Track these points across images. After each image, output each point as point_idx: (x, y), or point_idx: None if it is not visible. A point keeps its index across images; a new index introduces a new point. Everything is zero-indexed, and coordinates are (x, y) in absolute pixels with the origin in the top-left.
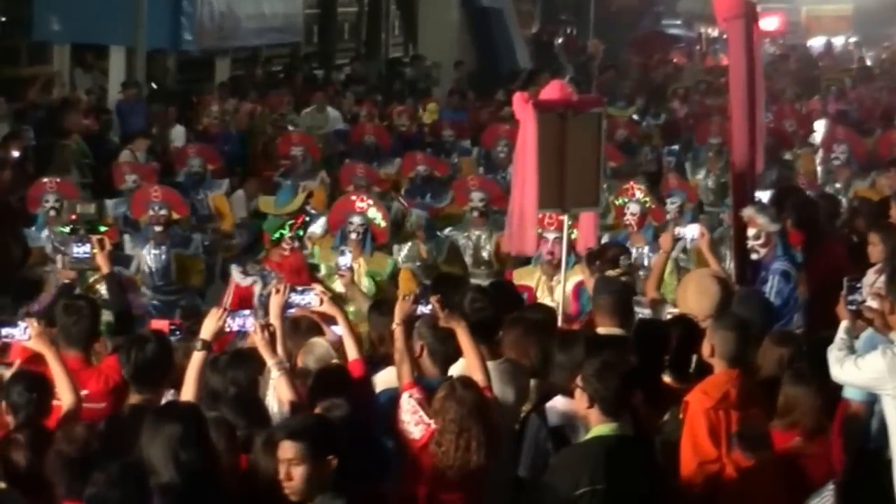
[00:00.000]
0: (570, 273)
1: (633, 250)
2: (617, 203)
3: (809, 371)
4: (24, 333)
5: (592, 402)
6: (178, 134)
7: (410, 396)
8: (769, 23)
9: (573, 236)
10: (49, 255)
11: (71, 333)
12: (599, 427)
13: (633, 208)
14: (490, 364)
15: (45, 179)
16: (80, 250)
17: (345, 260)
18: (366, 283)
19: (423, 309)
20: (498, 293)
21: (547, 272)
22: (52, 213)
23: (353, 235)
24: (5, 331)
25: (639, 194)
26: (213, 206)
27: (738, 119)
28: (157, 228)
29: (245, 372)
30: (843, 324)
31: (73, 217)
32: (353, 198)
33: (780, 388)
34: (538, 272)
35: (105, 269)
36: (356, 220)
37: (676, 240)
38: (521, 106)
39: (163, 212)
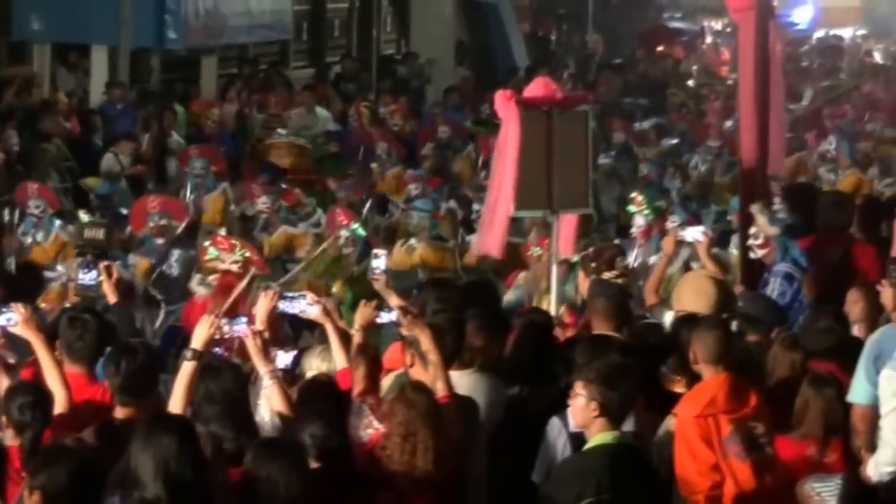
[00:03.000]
0: None
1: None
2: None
3: (828, 377)
4: (9, 321)
5: (602, 410)
6: (175, 143)
7: (363, 402)
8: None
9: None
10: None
11: (75, 348)
12: (602, 435)
13: (639, 220)
14: (456, 373)
15: (29, 183)
16: (86, 277)
17: (378, 263)
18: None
19: (387, 315)
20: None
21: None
22: (35, 219)
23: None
24: None
25: (644, 207)
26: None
27: (748, 115)
28: (159, 241)
29: (217, 383)
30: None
31: (81, 242)
32: (338, 210)
33: (791, 392)
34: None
35: (112, 299)
36: (343, 232)
37: (679, 243)
38: (505, 104)
39: (163, 222)
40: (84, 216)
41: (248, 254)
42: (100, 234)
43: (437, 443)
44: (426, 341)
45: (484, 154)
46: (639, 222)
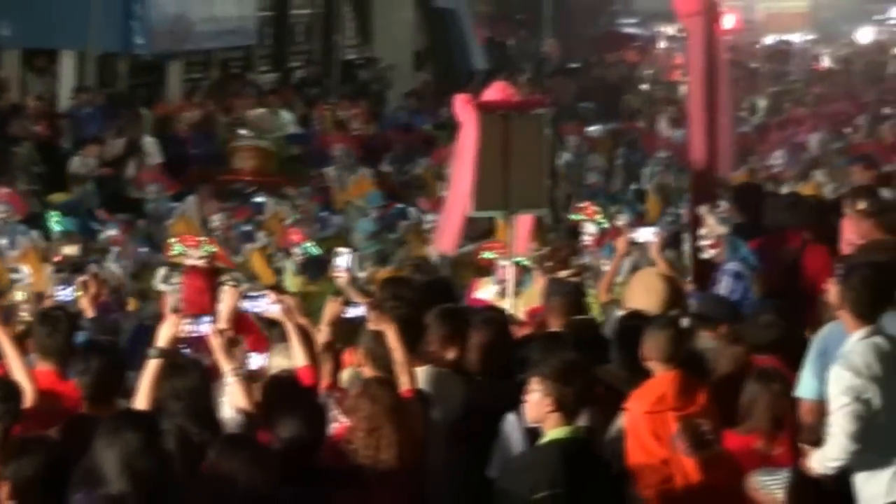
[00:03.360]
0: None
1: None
2: (572, 217)
3: (773, 372)
4: None
5: (556, 405)
6: (150, 144)
7: (329, 396)
8: (726, 20)
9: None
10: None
11: (45, 345)
12: (557, 430)
13: (591, 228)
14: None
15: None
16: (63, 293)
17: (341, 261)
18: None
19: (354, 311)
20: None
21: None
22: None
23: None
24: None
25: (597, 216)
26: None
27: (697, 117)
28: None
29: (182, 381)
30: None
31: (58, 258)
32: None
33: (734, 386)
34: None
35: (89, 313)
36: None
37: (633, 244)
38: (463, 107)
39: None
40: (55, 222)
41: (213, 248)
42: (74, 249)
43: (401, 436)
44: (392, 336)
45: (435, 163)
46: (591, 230)
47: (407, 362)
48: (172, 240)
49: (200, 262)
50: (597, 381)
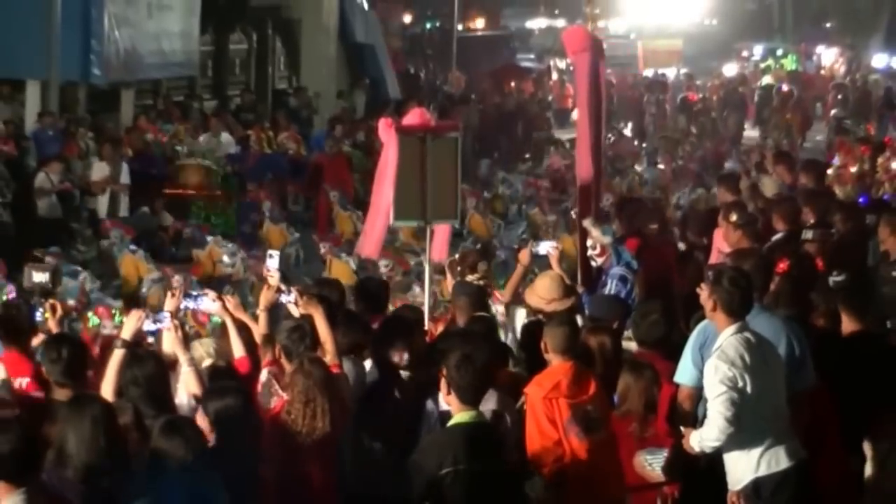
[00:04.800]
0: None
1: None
2: None
3: (645, 363)
4: None
5: (449, 390)
6: (100, 168)
7: (269, 373)
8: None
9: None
10: None
11: (8, 331)
12: (460, 415)
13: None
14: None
15: None
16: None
17: (272, 262)
18: None
19: (286, 297)
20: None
21: None
22: None
23: None
24: None
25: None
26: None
27: (584, 140)
28: None
29: (143, 369)
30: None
31: (28, 285)
32: None
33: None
34: None
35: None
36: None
37: (535, 256)
38: (385, 130)
39: None
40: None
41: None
42: (45, 276)
43: (332, 406)
44: (319, 319)
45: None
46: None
47: (333, 341)
48: (89, 313)
49: (116, 332)
50: (498, 370)
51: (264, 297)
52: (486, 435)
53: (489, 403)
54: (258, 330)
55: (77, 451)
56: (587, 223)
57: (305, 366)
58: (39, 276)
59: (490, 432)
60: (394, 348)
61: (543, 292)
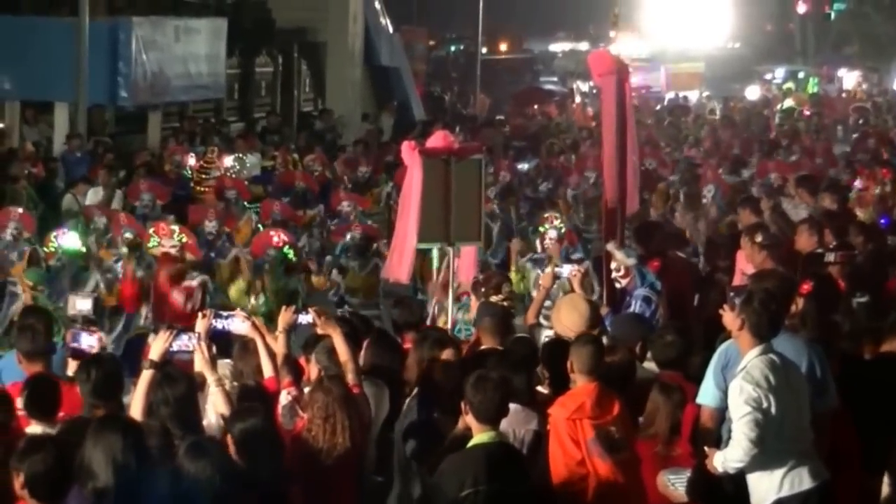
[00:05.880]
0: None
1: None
2: (540, 230)
3: (674, 385)
4: None
5: (468, 410)
6: (94, 194)
7: (288, 394)
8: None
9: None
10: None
11: (30, 351)
12: (480, 435)
13: (552, 233)
14: None
15: (11, 209)
16: (80, 342)
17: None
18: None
19: (305, 318)
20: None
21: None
22: (11, 238)
23: (267, 266)
24: None
25: (556, 222)
26: None
27: (610, 162)
28: None
29: (174, 390)
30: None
31: (73, 312)
32: (272, 233)
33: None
34: None
35: None
36: (271, 252)
37: (556, 278)
38: (409, 153)
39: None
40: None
41: (185, 238)
42: (87, 305)
43: (353, 423)
44: (338, 339)
45: (334, 204)
46: (552, 234)
47: (354, 360)
48: (150, 230)
49: (173, 250)
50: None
51: (283, 318)
52: (506, 455)
53: (531, 423)
54: (277, 350)
55: (101, 471)
56: (611, 246)
57: (325, 383)
58: (83, 305)
59: (510, 452)
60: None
61: (567, 322)
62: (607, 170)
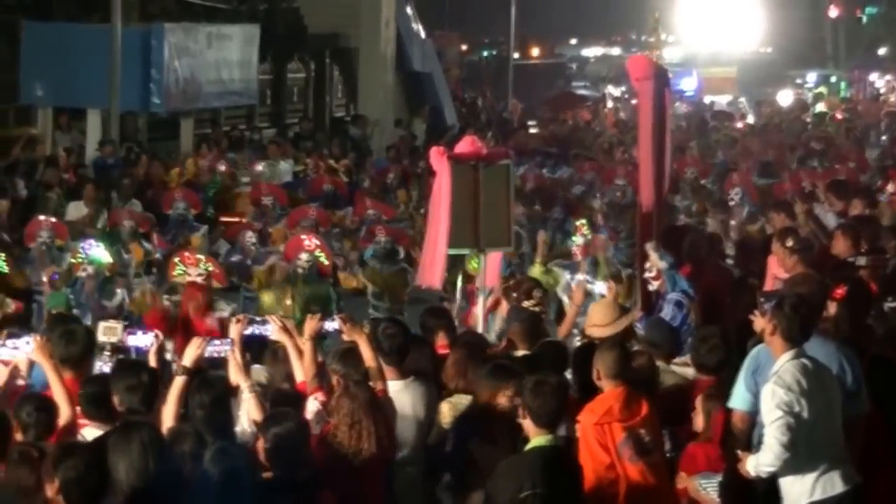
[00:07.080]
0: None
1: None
2: (574, 240)
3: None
4: (28, 345)
5: (525, 414)
6: (76, 208)
7: (315, 399)
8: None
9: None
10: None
11: (65, 357)
12: (537, 438)
13: (579, 241)
14: (400, 383)
15: (42, 218)
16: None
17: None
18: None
19: (331, 325)
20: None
21: None
22: (44, 247)
23: (300, 270)
24: (11, 342)
25: (584, 230)
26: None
27: (646, 165)
28: None
29: (208, 395)
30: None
31: (101, 341)
32: (304, 237)
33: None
34: None
35: None
36: (304, 256)
37: (588, 294)
38: (437, 158)
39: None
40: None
41: (210, 267)
42: (115, 333)
43: (378, 429)
44: (364, 345)
45: (360, 212)
46: (578, 241)
47: (379, 367)
48: (175, 260)
49: (199, 279)
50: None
51: (309, 326)
52: (562, 458)
53: (559, 430)
54: (304, 358)
55: (125, 477)
56: (648, 246)
57: (351, 389)
58: (111, 334)
59: (567, 455)
60: None
61: (598, 319)
62: (644, 174)
